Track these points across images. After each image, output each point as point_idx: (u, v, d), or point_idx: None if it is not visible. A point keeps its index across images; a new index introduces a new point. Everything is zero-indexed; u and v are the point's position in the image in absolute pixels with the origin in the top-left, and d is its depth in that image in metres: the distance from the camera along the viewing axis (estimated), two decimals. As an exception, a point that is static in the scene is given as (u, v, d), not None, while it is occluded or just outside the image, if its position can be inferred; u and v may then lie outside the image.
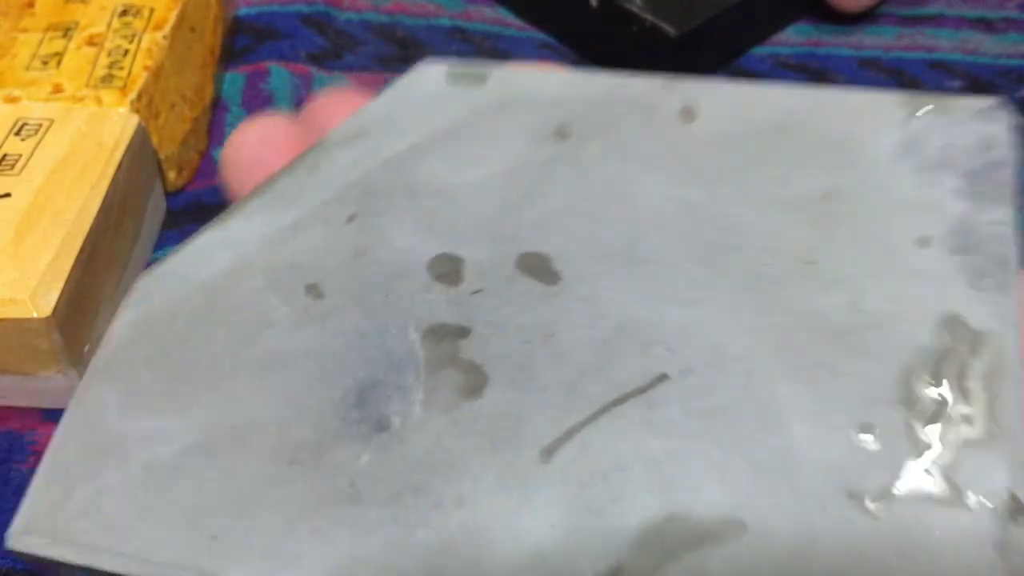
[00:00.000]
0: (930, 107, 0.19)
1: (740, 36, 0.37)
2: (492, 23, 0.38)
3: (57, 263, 0.24)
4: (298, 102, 0.34)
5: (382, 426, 0.17)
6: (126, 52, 0.30)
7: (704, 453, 0.15)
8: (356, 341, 0.18)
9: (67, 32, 0.31)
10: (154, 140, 0.29)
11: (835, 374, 0.16)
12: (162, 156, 0.30)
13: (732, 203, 0.18)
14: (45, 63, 0.30)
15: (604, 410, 0.16)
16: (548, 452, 0.16)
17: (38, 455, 0.24)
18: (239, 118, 0.34)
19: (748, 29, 0.37)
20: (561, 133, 0.20)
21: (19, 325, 0.23)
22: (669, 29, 0.34)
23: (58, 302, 0.23)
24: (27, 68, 0.29)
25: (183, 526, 0.16)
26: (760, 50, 0.38)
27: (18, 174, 0.26)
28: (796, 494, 0.15)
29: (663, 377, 0.16)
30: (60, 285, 0.24)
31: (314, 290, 0.19)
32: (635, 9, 0.34)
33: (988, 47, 0.38)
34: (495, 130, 0.21)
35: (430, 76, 0.22)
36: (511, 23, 0.38)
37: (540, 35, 0.38)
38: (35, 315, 0.23)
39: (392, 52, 0.37)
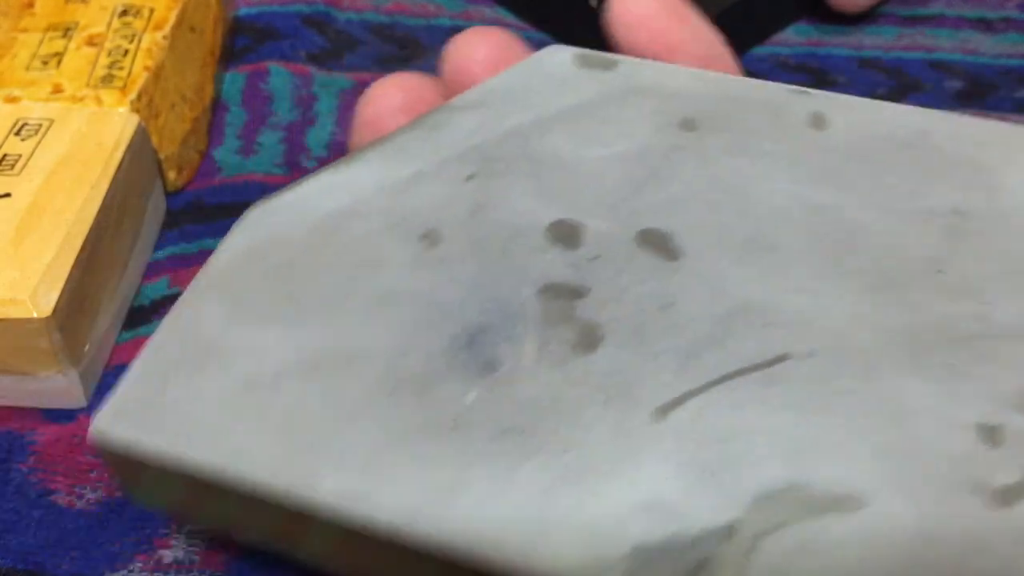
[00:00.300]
0: None
1: (740, 36, 0.37)
2: (492, 23, 0.38)
3: (57, 263, 0.24)
4: (298, 102, 0.34)
5: (490, 369, 0.17)
6: (126, 52, 0.30)
7: (824, 431, 0.15)
8: (469, 289, 0.18)
9: (67, 32, 0.31)
10: (154, 140, 0.29)
11: (962, 375, 0.16)
12: (162, 156, 0.30)
13: (859, 208, 0.18)
14: (45, 63, 0.30)
15: (722, 380, 0.16)
16: (662, 412, 0.16)
17: (38, 455, 0.24)
18: (239, 118, 0.34)
19: (748, 29, 0.37)
20: (687, 124, 0.20)
21: (19, 325, 0.23)
22: (669, 29, 0.33)
23: (58, 302, 0.23)
24: (27, 68, 0.29)
25: (279, 435, 0.16)
26: (760, 50, 0.38)
27: (18, 174, 0.26)
28: (917, 481, 0.15)
29: (784, 357, 0.16)
30: (60, 285, 0.24)
31: (429, 238, 0.19)
32: (635, 9, 0.34)
33: (988, 47, 0.38)
34: (621, 113, 0.21)
35: (557, 58, 0.22)
36: (511, 23, 0.38)
37: (540, 35, 0.38)
38: (35, 315, 0.23)
39: (392, 52, 0.37)
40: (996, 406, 0.15)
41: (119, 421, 0.17)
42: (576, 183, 0.20)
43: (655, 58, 0.22)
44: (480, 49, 0.22)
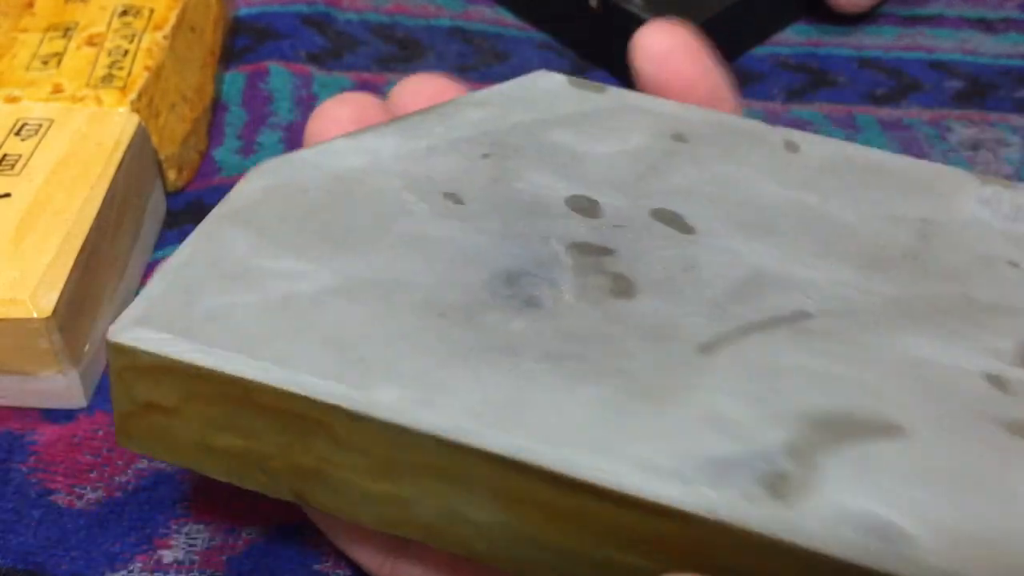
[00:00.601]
0: (998, 185, 0.21)
1: (740, 36, 0.37)
2: (492, 23, 0.38)
3: (57, 263, 0.24)
4: (298, 102, 0.34)
5: (532, 305, 0.17)
6: (126, 52, 0.30)
7: (854, 373, 0.17)
8: (498, 240, 0.18)
9: (67, 32, 0.31)
10: (154, 140, 0.29)
11: (960, 336, 0.18)
12: (162, 156, 0.30)
13: (840, 209, 0.20)
14: (45, 63, 0.30)
15: (753, 328, 0.17)
16: (705, 349, 0.17)
17: (38, 455, 0.24)
18: (239, 118, 0.34)
19: (748, 29, 0.37)
20: (678, 137, 0.22)
21: (19, 325, 0.23)
22: (669, 29, 0.33)
23: (58, 302, 0.23)
24: (27, 68, 0.29)
25: (325, 348, 0.16)
26: (760, 50, 0.38)
27: (18, 174, 0.26)
28: (945, 415, 0.16)
29: (804, 314, 0.18)
30: (60, 285, 0.24)
31: (452, 197, 0.19)
32: (635, 9, 0.34)
33: (988, 47, 0.38)
34: (617, 123, 0.22)
35: (550, 79, 0.23)
36: (511, 23, 0.38)
37: (540, 35, 0.38)
38: (35, 315, 0.23)
39: (392, 52, 0.37)
40: (996, 360, 0.17)
41: (142, 327, 0.16)
42: (585, 169, 0.20)
43: (670, 92, 0.23)
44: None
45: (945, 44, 0.38)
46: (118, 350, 0.16)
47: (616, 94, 0.23)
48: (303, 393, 0.16)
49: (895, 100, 0.36)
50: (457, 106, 0.22)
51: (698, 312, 0.17)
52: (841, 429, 0.15)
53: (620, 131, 0.21)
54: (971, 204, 0.21)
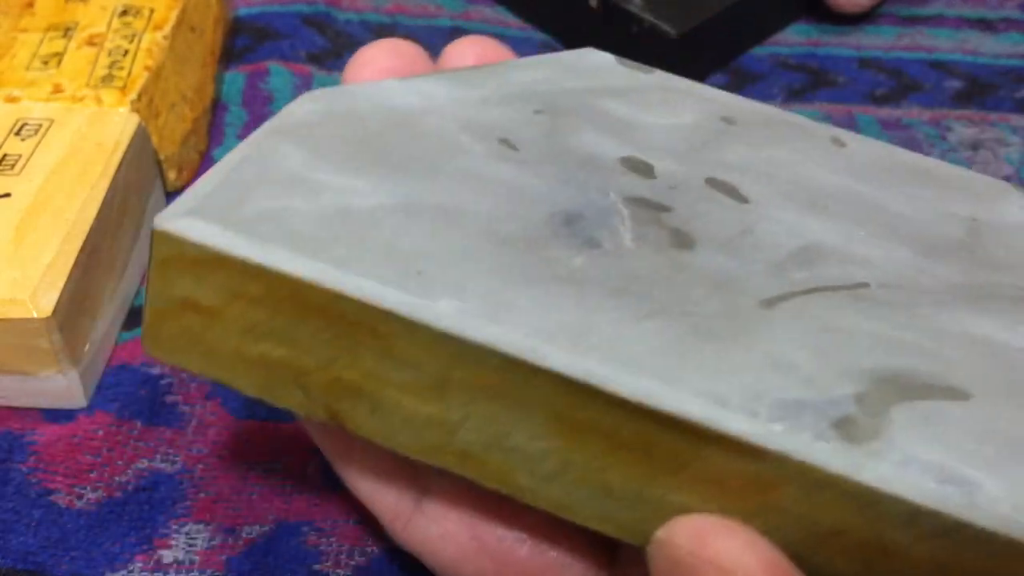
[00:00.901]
0: None
1: (740, 36, 0.37)
2: (492, 23, 0.38)
3: (57, 263, 0.24)
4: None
5: (593, 244, 0.17)
6: (126, 52, 0.30)
7: (914, 339, 0.16)
8: (557, 185, 0.18)
9: (67, 32, 0.31)
10: (154, 140, 0.29)
11: (1017, 321, 0.17)
12: (162, 156, 0.30)
13: (892, 201, 0.20)
14: (45, 63, 0.30)
15: (813, 291, 0.17)
16: (768, 304, 0.16)
17: (38, 455, 0.24)
18: (239, 118, 0.34)
19: (748, 29, 0.37)
20: (727, 120, 0.21)
21: (19, 325, 0.23)
22: (669, 29, 0.34)
23: (58, 302, 0.23)
24: (27, 68, 0.29)
25: (384, 257, 0.15)
26: (760, 50, 0.38)
27: (18, 174, 0.26)
28: (1012, 387, 0.16)
29: (863, 284, 0.17)
30: (60, 285, 0.24)
31: (507, 143, 0.19)
32: (635, 9, 0.34)
33: (988, 47, 0.38)
34: (667, 99, 0.21)
35: (596, 54, 0.23)
36: (511, 23, 0.38)
37: (540, 35, 0.38)
38: (35, 315, 0.23)
39: (392, 52, 0.37)
40: None
41: (194, 217, 0.15)
42: (638, 135, 0.20)
43: None
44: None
45: (945, 44, 0.38)
46: (164, 239, 0.15)
47: (664, 76, 0.22)
48: (360, 297, 0.15)
49: (895, 100, 0.36)
50: (507, 67, 0.21)
51: (758, 272, 0.17)
52: (907, 387, 0.15)
53: (670, 107, 0.21)
54: (1014, 209, 0.21)
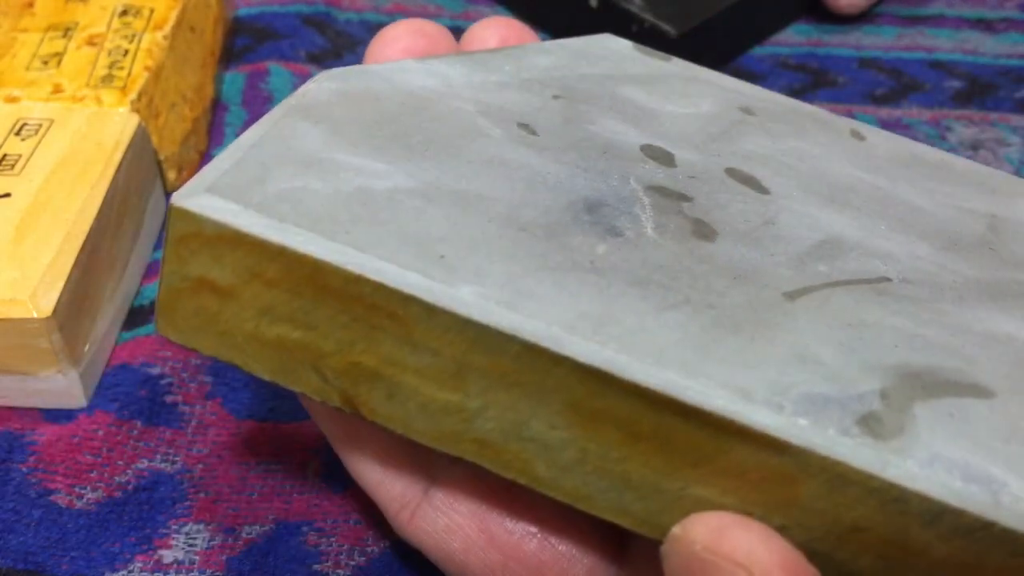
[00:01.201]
0: None
1: (740, 36, 0.37)
2: (492, 23, 0.38)
3: (57, 263, 0.24)
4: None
5: (615, 232, 0.17)
6: (126, 52, 0.30)
7: (941, 336, 0.16)
8: (577, 171, 0.18)
9: (67, 32, 0.31)
10: (154, 140, 0.29)
11: None
12: (162, 156, 0.30)
13: (912, 195, 0.20)
14: (45, 63, 0.30)
15: (836, 284, 0.17)
16: (790, 296, 0.16)
17: (38, 455, 0.24)
18: (239, 118, 0.34)
19: (748, 29, 0.37)
20: (747, 110, 0.21)
21: (19, 325, 0.23)
22: (669, 29, 0.34)
23: (58, 302, 0.23)
24: (27, 68, 0.29)
25: (404, 241, 0.15)
26: (760, 50, 0.38)
27: (18, 174, 0.26)
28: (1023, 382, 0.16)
29: (886, 279, 0.17)
30: (60, 285, 0.24)
31: (527, 128, 0.18)
32: (635, 9, 0.34)
33: (988, 47, 0.38)
34: (686, 88, 0.21)
35: (615, 41, 0.22)
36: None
37: (540, 35, 0.38)
38: (35, 315, 0.23)
39: (392, 52, 0.37)
40: None
41: (213, 195, 0.15)
42: (657, 123, 0.20)
43: None
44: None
45: (945, 44, 0.38)
46: (181, 216, 0.15)
47: (683, 64, 0.22)
48: (380, 280, 0.15)
49: (895, 100, 0.36)
50: (525, 51, 0.21)
51: (781, 263, 0.17)
52: (931, 383, 0.15)
53: (689, 96, 0.21)
54: None
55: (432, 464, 0.19)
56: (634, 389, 0.14)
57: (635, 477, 0.15)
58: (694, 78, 0.22)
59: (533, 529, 0.18)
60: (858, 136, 0.21)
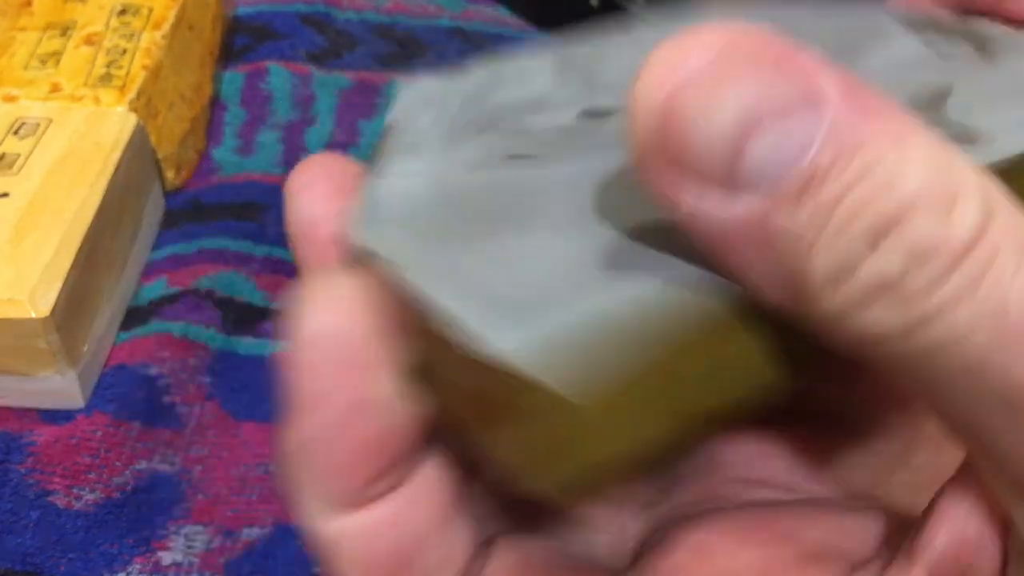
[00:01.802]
0: None
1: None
2: (492, 23, 0.38)
3: (55, 263, 0.24)
4: (298, 101, 0.34)
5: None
6: (124, 51, 0.30)
7: None
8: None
9: (65, 31, 0.30)
10: (152, 139, 0.29)
11: None
12: (160, 155, 0.30)
13: None
14: (43, 62, 0.29)
15: None
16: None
17: (36, 456, 0.24)
18: (238, 117, 0.33)
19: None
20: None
21: (17, 325, 0.23)
22: (670, 29, 0.33)
23: (56, 302, 0.23)
24: (25, 67, 0.29)
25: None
26: (760, 50, 0.37)
27: (16, 173, 0.26)
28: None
29: None
30: (58, 285, 0.24)
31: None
32: (636, 9, 0.34)
33: (989, 48, 0.38)
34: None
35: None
36: (511, 23, 0.38)
37: (540, 35, 0.38)
38: (33, 315, 0.23)
39: (392, 51, 0.37)
40: None
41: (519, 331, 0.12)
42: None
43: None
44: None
45: (946, 44, 0.38)
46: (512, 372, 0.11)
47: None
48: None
49: (896, 100, 0.35)
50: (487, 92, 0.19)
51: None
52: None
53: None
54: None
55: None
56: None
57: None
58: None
59: None
60: None
